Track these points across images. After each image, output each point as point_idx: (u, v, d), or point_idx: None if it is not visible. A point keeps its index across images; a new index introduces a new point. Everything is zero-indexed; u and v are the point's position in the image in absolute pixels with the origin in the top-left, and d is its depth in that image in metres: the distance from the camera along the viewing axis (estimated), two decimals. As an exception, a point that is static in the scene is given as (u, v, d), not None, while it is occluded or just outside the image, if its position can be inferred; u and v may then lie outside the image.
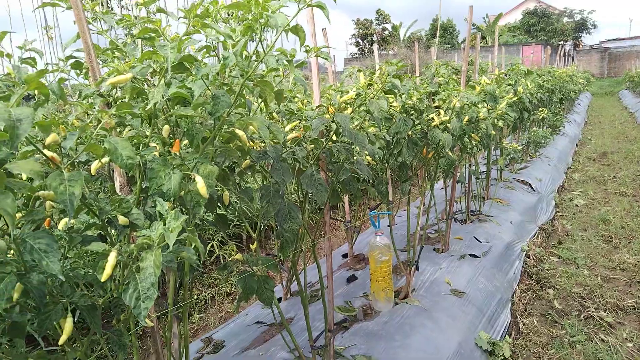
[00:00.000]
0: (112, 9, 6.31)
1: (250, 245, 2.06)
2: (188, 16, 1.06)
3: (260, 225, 2.07)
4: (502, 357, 2.84)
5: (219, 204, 1.69)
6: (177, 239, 0.84)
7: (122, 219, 0.98)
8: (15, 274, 0.80)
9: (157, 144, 1.17)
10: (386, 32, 36.42)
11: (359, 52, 36.57)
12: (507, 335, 3.12)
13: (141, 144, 1.13)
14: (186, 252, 0.91)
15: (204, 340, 2.77)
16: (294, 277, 2.07)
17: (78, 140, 0.95)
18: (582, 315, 3.38)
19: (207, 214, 2.32)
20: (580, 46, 43.13)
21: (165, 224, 0.85)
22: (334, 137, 1.76)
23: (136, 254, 0.87)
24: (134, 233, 1.07)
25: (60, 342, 0.91)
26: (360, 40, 36.76)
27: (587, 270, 4.13)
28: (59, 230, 0.98)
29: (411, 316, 2.84)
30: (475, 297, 3.22)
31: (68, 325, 0.91)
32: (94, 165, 1.03)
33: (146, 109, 1.06)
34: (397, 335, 2.64)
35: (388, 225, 3.22)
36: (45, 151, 0.87)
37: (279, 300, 3.21)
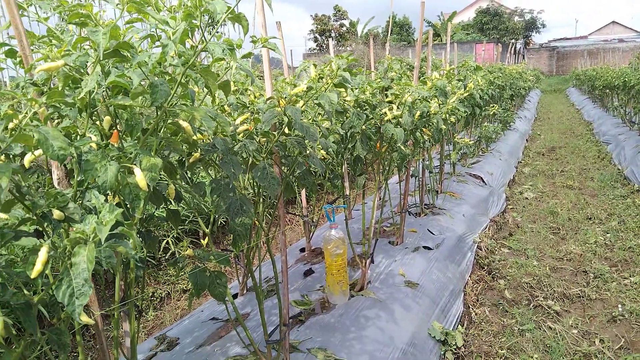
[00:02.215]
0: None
1: (202, 241, 2.03)
2: (121, 1, 1.03)
3: (214, 220, 2.04)
4: (455, 347, 2.91)
5: (171, 199, 1.66)
6: (114, 234, 0.81)
7: (57, 213, 0.94)
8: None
9: (95, 135, 1.13)
10: (344, 29, 36.61)
11: (318, 48, 36.62)
12: (459, 325, 3.21)
13: (78, 136, 1.09)
14: (123, 246, 0.88)
15: (157, 337, 2.71)
16: (250, 272, 2.06)
17: (12, 132, 0.90)
18: (532, 305, 3.51)
19: (160, 210, 2.27)
20: (531, 45, 44.81)
21: (99, 218, 0.82)
22: (287, 131, 1.75)
23: (69, 249, 0.84)
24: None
25: None
26: (318, 36, 36.81)
27: (537, 260, 4.30)
28: (-10, 225, 0.93)
29: (366, 308, 2.87)
30: (429, 288, 3.29)
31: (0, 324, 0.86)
32: (28, 158, 0.98)
33: (79, 98, 1.01)
34: (353, 327, 2.66)
35: (345, 219, 3.24)
36: (-29, 142, 0.82)
37: (236, 296, 3.18)
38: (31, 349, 1.03)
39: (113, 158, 0.99)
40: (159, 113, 1.13)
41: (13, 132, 0.92)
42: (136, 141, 1.18)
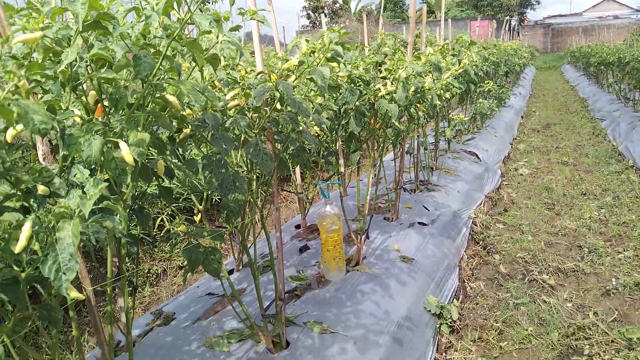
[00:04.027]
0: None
1: (195, 218, 2.04)
2: (100, -34, 1.00)
3: (207, 197, 2.04)
4: (450, 320, 2.95)
5: (161, 175, 1.65)
6: (102, 208, 0.80)
7: (41, 189, 0.93)
8: None
9: (80, 110, 1.11)
10: (337, 5, 36.16)
11: (311, 25, 36.20)
12: (455, 299, 3.25)
13: (61, 110, 1.07)
14: (110, 221, 0.88)
15: (154, 313, 2.73)
16: (245, 248, 2.07)
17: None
18: (527, 279, 3.55)
19: (153, 187, 2.26)
20: (526, 21, 44.36)
21: (83, 192, 0.81)
22: (279, 106, 1.73)
23: (54, 224, 0.83)
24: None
25: None
26: (311, 13, 36.35)
27: (531, 236, 4.33)
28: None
29: (362, 283, 2.90)
30: (424, 263, 3.32)
31: None
32: (10, 133, 0.97)
33: (59, 70, 0.99)
34: (349, 302, 2.69)
35: (339, 196, 3.25)
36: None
37: (232, 272, 3.20)
38: (22, 325, 1.03)
39: (97, 132, 0.98)
40: (144, 86, 1.11)
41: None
42: (122, 116, 1.16)
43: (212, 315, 2.58)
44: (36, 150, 1.13)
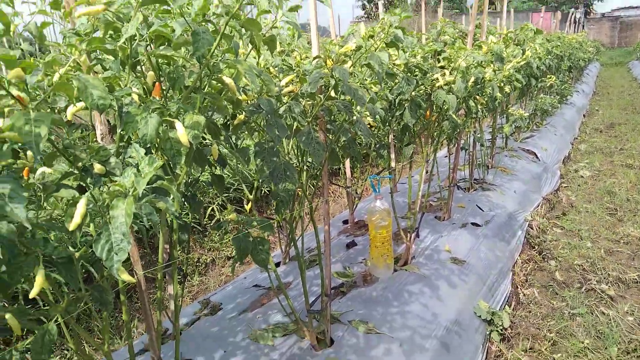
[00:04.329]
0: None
1: (246, 207, 2.01)
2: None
3: (257, 188, 2.01)
4: (501, 327, 2.81)
5: (214, 161, 1.63)
6: (155, 188, 0.77)
7: (98, 167, 0.91)
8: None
9: (138, 89, 1.09)
10: (393, -5, 35.60)
11: (366, 16, 35.89)
12: (506, 306, 3.10)
13: (120, 88, 1.05)
14: (163, 202, 0.84)
15: (201, 302, 2.75)
16: (292, 241, 2.02)
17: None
18: (584, 288, 3.34)
19: (205, 176, 2.26)
20: (592, 14, 42.01)
21: (138, 170, 0.78)
22: (333, 94, 1.66)
23: (108, 203, 0.80)
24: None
25: (30, 296, 0.85)
26: (366, 3, 36.02)
27: (591, 242, 4.08)
28: (34, 179, 0.92)
29: (410, 283, 2.80)
30: (476, 266, 3.18)
31: (39, 277, 0.85)
32: (70, 110, 0.95)
33: (119, 45, 0.96)
34: (395, 302, 2.60)
35: (390, 193, 3.15)
36: (13, 90, 0.78)
37: (278, 264, 3.18)
38: (75, 306, 1.03)
39: (154, 111, 0.95)
40: (201, 67, 1.07)
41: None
42: (179, 98, 1.13)
43: (258, 307, 2.56)
44: (95, 130, 1.12)
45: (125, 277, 0.88)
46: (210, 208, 4.35)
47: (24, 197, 0.73)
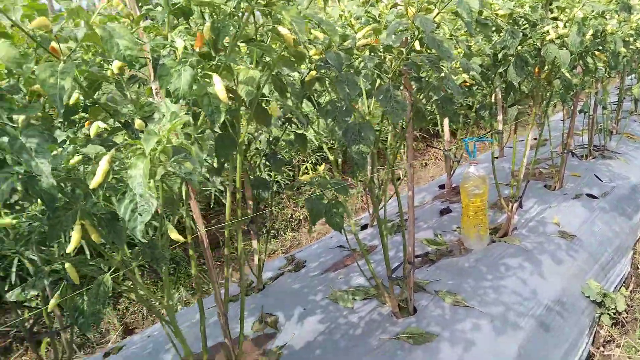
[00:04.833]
0: None
1: (336, 170, 1.95)
2: None
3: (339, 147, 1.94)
4: (614, 310, 2.50)
5: (295, 121, 1.57)
6: (182, 148, 0.72)
7: (138, 123, 0.89)
8: (24, 175, 0.75)
9: (185, 40, 1.04)
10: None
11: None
12: (622, 287, 2.75)
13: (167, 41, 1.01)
14: (190, 162, 0.80)
15: (287, 258, 2.80)
16: (373, 204, 1.93)
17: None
18: None
19: (287, 134, 2.23)
20: None
21: (162, 125, 0.73)
22: (417, 47, 1.50)
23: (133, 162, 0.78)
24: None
25: (67, 250, 0.87)
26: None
27: None
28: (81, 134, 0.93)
29: (508, 256, 2.59)
30: (588, 241, 2.85)
31: (76, 233, 0.87)
32: (116, 64, 0.94)
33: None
34: (489, 275, 2.42)
35: (491, 157, 2.90)
36: (53, 43, 0.77)
37: (365, 227, 3.12)
38: (130, 260, 1.05)
39: (190, 64, 0.90)
40: (247, 14, 0.99)
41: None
42: (226, 47, 1.06)
43: (340, 267, 2.54)
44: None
45: (175, 236, 0.87)
46: (304, 166, 4.40)
47: (48, 152, 0.73)
